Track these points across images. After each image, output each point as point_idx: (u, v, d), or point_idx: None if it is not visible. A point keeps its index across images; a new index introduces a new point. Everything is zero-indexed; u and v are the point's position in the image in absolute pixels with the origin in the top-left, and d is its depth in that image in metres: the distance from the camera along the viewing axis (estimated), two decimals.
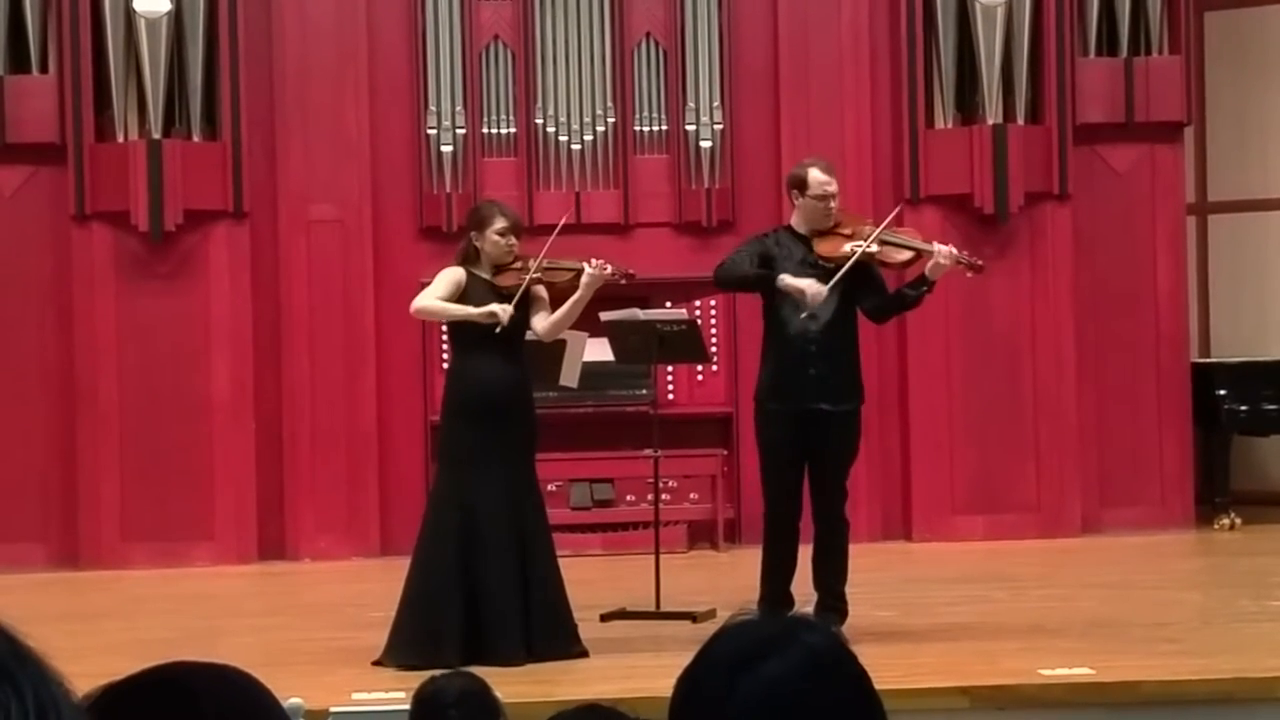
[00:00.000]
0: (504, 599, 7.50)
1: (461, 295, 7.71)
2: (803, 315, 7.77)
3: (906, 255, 7.94)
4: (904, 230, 8.30)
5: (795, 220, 8.01)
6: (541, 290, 7.73)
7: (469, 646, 7.40)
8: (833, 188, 7.95)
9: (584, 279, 7.66)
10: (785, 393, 7.88)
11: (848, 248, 7.79)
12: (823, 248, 7.87)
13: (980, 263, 8.05)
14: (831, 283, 7.72)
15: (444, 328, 8.81)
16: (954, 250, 7.84)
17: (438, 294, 7.75)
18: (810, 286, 7.73)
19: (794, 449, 7.90)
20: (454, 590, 7.52)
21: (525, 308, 7.69)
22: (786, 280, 7.78)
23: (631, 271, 7.99)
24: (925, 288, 7.86)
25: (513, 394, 7.66)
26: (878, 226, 7.97)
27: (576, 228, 11.32)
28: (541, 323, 7.71)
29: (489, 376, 7.62)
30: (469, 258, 7.81)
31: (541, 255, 7.73)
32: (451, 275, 7.78)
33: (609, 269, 7.74)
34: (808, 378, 7.83)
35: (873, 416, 11.37)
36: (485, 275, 7.75)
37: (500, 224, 7.73)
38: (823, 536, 7.90)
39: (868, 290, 7.93)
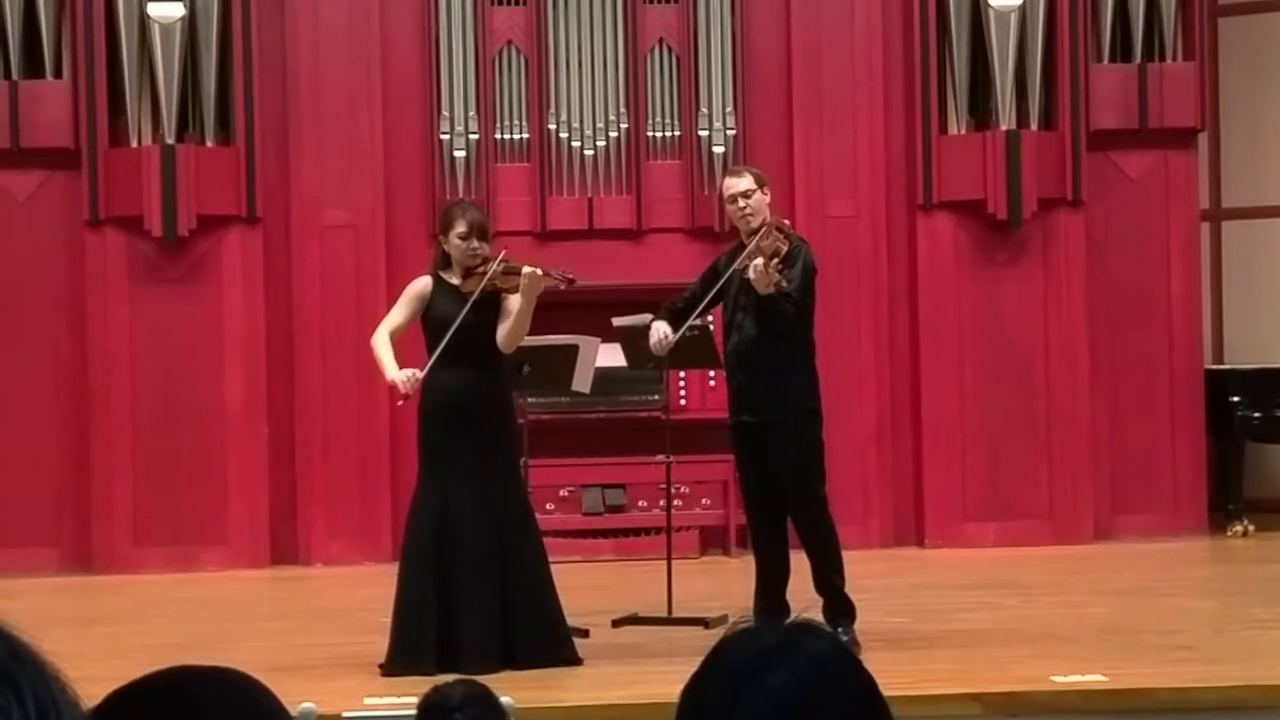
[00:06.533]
0: (477, 606, 7.43)
1: (427, 304, 7.67)
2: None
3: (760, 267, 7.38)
4: (778, 236, 7.61)
5: None
6: (514, 298, 7.55)
7: (444, 653, 7.36)
8: (738, 189, 7.78)
9: (521, 285, 7.46)
10: (729, 407, 8.04)
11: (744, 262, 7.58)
12: (741, 258, 7.67)
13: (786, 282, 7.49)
14: (697, 311, 7.80)
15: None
16: (760, 263, 7.32)
17: (393, 321, 7.73)
18: (653, 335, 7.87)
19: (742, 462, 8.03)
20: (429, 596, 7.48)
21: (493, 313, 7.60)
22: (651, 332, 7.94)
23: (571, 276, 7.65)
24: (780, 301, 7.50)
25: (481, 400, 7.55)
26: (766, 237, 7.51)
27: (589, 233, 11.36)
28: (499, 334, 7.59)
29: (456, 383, 7.53)
30: (441, 263, 7.76)
31: (498, 259, 7.59)
32: (412, 292, 7.74)
33: (541, 273, 7.47)
34: (734, 391, 7.93)
35: (885, 422, 11.41)
36: (455, 280, 7.67)
37: (460, 227, 7.62)
38: (802, 542, 7.92)
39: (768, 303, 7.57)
